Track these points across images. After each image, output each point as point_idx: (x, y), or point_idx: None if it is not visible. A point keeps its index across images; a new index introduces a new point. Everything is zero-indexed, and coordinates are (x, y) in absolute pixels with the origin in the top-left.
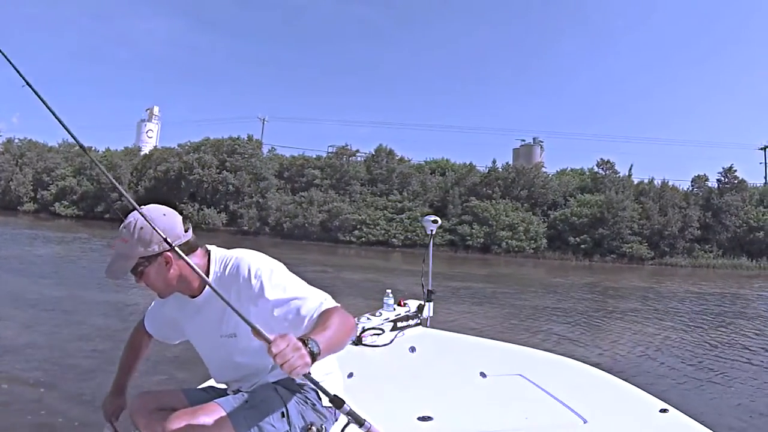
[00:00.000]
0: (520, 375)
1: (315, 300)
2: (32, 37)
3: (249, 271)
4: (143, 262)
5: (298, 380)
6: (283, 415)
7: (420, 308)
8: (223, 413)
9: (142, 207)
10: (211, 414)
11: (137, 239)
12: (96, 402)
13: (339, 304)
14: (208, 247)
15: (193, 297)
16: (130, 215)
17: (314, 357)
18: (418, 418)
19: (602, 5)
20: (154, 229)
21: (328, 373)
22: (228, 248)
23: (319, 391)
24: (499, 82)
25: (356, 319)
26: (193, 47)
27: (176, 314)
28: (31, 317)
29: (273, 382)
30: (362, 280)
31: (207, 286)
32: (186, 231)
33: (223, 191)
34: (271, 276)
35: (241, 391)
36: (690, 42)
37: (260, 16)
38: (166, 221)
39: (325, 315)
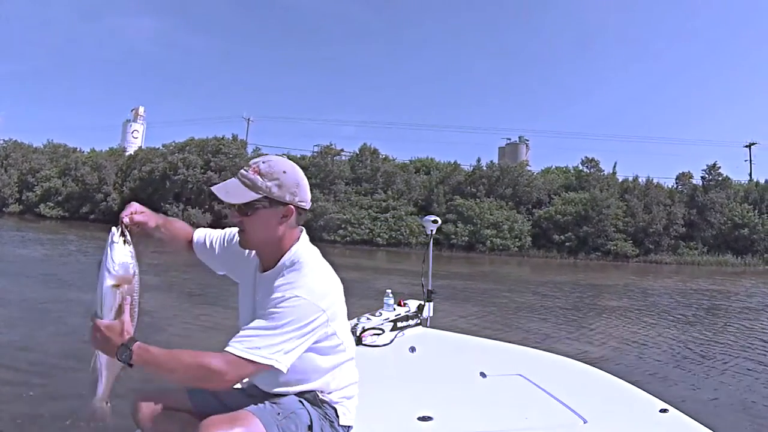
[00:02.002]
0: (520, 375)
1: (237, 338)
2: (19, 36)
3: (283, 288)
4: (265, 201)
5: (321, 397)
6: (309, 429)
7: (420, 308)
8: (260, 424)
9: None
10: (247, 424)
11: (275, 178)
12: (68, 398)
13: (248, 359)
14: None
15: (263, 271)
16: (271, 158)
17: (117, 352)
18: (418, 418)
19: (590, 4)
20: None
21: (349, 397)
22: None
23: (337, 410)
24: (485, 81)
25: (357, 320)
26: (179, 47)
27: (242, 263)
28: (10, 317)
29: (297, 394)
30: (347, 279)
31: (276, 265)
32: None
33: (207, 191)
34: (279, 306)
35: (256, 386)
36: (677, 40)
37: (247, 16)
38: (303, 181)
39: (210, 354)
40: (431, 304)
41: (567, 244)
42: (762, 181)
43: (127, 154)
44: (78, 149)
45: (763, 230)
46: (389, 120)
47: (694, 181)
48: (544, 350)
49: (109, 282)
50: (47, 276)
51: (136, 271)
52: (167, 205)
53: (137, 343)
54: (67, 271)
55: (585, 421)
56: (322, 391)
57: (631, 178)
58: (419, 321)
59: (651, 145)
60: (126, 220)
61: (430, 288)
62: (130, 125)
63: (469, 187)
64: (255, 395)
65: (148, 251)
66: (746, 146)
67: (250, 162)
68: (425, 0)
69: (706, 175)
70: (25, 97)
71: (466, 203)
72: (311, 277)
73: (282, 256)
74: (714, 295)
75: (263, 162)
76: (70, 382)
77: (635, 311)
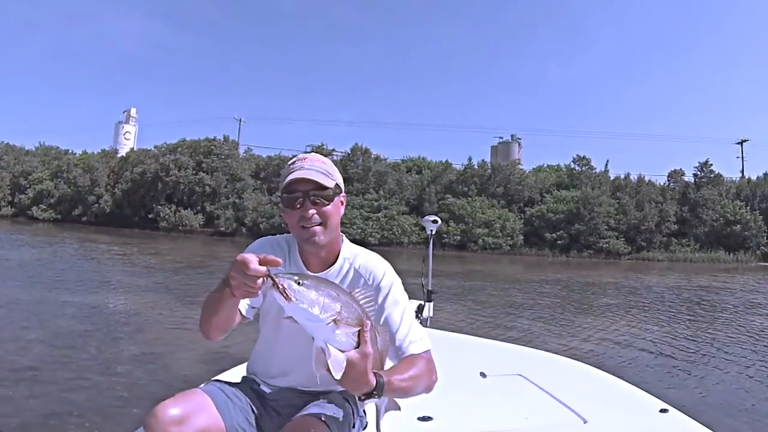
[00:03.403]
0: (520, 375)
1: (416, 334)
2: (8, 39)
3: (382, 275)
4: (337, 189)
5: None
6: (352, 427)
7: (420, 308)
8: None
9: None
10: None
11: (335, 168)
12: (51, 401)
13: (430, 348)
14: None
15: (320, 270)
16: (312, 155)
17: (373, 394)
18: (418, 418)
19: (579, 2)
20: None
21: None
22: (210, 249)
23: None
24: (478, 80)
25: None
26: (171, 47)
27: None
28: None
29: (341, 391)
30: None
31: (337, 258)
32: None
33: (199, 192)
34: (397, 290)
35: (294, 389)
36: (666, 38)
37: (237, 17)
38: None
39: (414, 359)
40: (431, 304)
41: (559, 242)
42: (754, 177)
43: (118, 155)
44: (70, 151)
45: (755, 227)
46: (381, 120)
47: (686, 178)
48: (544, 350)
49: (327, 320)
50: (38, 279)
51: (340, 297)
52: (159, 207)
53: (387, 377)
54: (59, 273)
55: (585, 421)
56: None
57: (623, 176)
58: (419, 321)
59: (643, 143)
60: (267, 270)
61: (429, 288)
62: (122, 127)
63: (460, 186)
64: (292, 398)
65: (144, 254)
66: (738, 143)
67: (306, 156)
68: (416, 1)
69: (698, 172)
70: (16, 99)
71: (457, 202)
72: (382, 261)
73: (339, 248)
74: (709, 291)
75: (317, 155)
76: (62, 384)
77: (630, 309)
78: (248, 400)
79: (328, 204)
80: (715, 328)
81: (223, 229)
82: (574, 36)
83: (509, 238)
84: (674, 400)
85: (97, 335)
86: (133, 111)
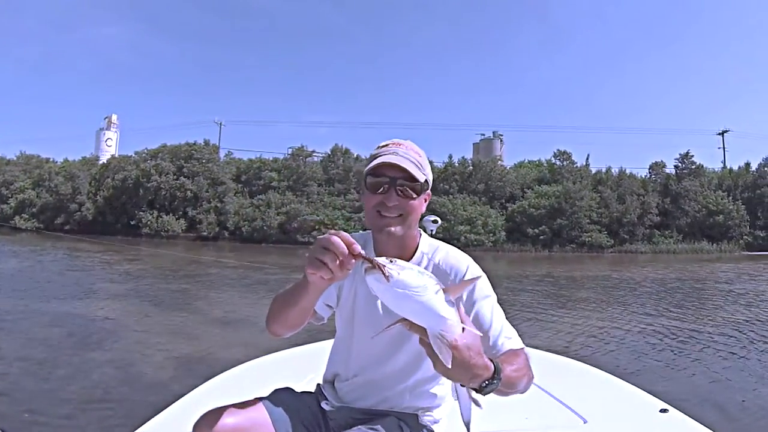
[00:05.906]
0: None
1: (510, 331)
2: None
3: (465, 268)
4: (425, 185)
5: (422, 420)
6: None
7: None
8: None
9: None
10: None
11: (428, 164)
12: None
13: (524, 347)
14: None
15: None
16: (408, 142)
17: (494, 378)
18: None
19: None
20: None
21: (443, 417)
22: (193, 254)
23: None
24: (458, 78)
25: None
26: (151, 53)
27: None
28: None
29: (397, 415)
30: None
31: (415, 253)
32: None
33: (181, 197)
34: (485, 283)
35: (347, 406)
36: (645, 32)
37: (218, 21)
38: None
39: (514, 354)
40: None
41: (541, 237)
42: (736, 167)
43: (100, 162)
44: (51, 159)
45: (738, 216)
46: (363, 120)
47: (667, 170)
48: (543, 350)
49: (437, 293)
50: (21, 288)
51: (432, 274)
52: (141, 213)
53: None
54: (42, 282)
55: (585, 421)
56: (425, 410)
57: (604, 170)
58: None
59: (623, 136)
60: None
61: None
62: (104, 134)
63: (441, 184)
64: (343, 418)
65: (125, 262)
66: (719, 134)
67: (401, 142)
68: (397, 1)
69: (680, 164)
70: None
71: (439, 200)
72: (463, 254)
73: (417, 242)
74: (694, 282)
75: (413, 146)
76: (33, 391)
77: (620, 302)
78: (311, 416)
79: (414, 198)
80: (697, 318)
81: (205, 233)
82: (554, 31)
83: (491, 234)
84: (674, 395)
85: (74, 342)
86: (114, 117)
